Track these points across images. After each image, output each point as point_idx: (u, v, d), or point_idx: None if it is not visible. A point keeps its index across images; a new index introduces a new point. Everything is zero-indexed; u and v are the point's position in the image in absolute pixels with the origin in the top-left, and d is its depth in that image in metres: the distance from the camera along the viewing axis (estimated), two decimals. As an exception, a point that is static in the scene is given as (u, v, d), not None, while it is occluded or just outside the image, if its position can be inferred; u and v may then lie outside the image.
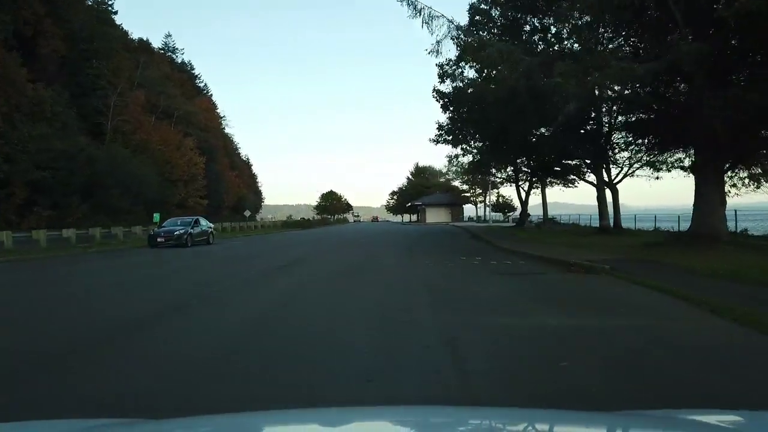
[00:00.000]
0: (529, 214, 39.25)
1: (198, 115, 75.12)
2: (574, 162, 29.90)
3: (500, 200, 62.47)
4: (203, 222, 27.95)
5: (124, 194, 52.68)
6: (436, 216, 72.80)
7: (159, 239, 24.07)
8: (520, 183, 39.54)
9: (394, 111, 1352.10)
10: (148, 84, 70.20)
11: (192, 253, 20.88)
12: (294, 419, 2.09)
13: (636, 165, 27.95)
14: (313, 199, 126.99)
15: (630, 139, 25.87)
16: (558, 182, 42.83)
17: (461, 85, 24.16)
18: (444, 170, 75.53)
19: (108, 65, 63.04)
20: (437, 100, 26.55)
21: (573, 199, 54.77)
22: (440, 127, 30.22)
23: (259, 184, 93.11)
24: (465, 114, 26.36)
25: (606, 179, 28.33)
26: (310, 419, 2.09)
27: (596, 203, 27.24)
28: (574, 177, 34.32)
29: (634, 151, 25.89)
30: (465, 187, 72.49)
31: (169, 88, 73.69)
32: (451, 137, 30.50)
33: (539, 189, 41.91)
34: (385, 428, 1.94)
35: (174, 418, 2.49)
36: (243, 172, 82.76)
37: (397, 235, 35.03)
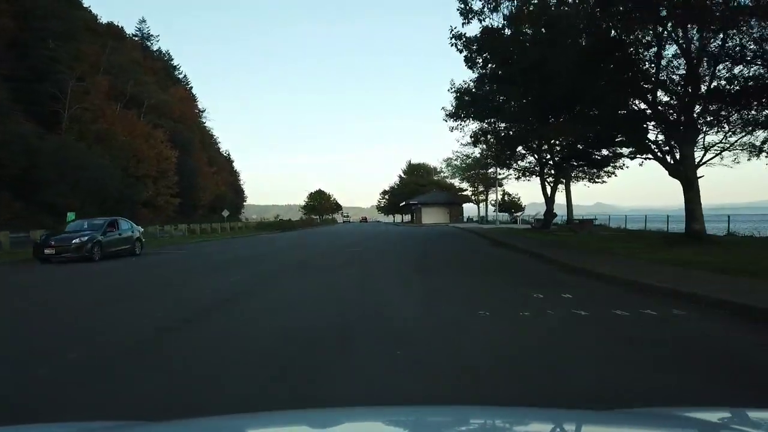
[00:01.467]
0: (555, 214, 31.46)
1: (171, 105, 66.75)
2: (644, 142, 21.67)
3: (506, 198, 54.62)
4: (125, 225, 19.57)
5: (75, 191, 44.32)
6: (432, 216, 64.76)
7: (47, 251, 15.84)
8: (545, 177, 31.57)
9: (389, 111, 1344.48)
10: (116, 70, 61.82)
11: (77, 276, 12.78)
12: (291, 420, 1.97)
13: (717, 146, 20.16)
14: (303, 200, 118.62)
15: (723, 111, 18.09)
16: (585, 175, 35.15)
17: (497, 24, 16.14)
18: (441, 166, 67.04)
19: (68, 48, 54.72)
20: (459, 51, 18.12)
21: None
22: (460, 94, 21.89)
23: (241, 182, 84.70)
24: (502, 68, 17.82)
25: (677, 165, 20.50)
26: (306, 420, 1.95)
27: (585, 203, 19.43)
28: (642, 160, 25.68)
29: (737, 124, 18.06)
30: (465, 185, 64.48)
31: (140, 75, 65.22)
32: (473, 108, 22.16)
33: (549, 183, 34.07)
34: (383, 429, 1.85)
35: (168, 420, 2.28)
36: (222, 168, 74.41)
37: (395, 241, 27.01)
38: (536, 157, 30.59)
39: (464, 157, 59.51)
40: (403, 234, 36.27)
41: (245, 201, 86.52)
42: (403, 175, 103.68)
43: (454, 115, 22.89)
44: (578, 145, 26.62)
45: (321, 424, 1.85)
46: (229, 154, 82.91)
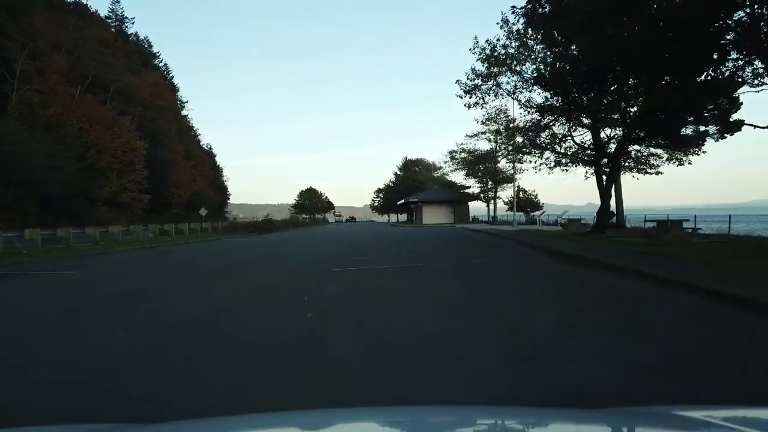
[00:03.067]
0: (613, 213, 22.77)
1: (143, 91, 57.97)
2: None
3: (521, 195, 46.15)
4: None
5: (10, 185, 35.75)
6: (435, 216, 56.24)
7: None
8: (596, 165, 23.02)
9: (385, 109, 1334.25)
10: (79, 51, 53.14)
11: None
12: (287, 422, 1.85)
13: None
14: (293, 198, 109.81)
15: None
16: (636, 165, 27.13)
17: None
18: (445, 159, 57.58)
19: (21, 23, 46.30)
20: None
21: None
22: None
23: (225, 178, 76.17)
24: None
25: None
26: (300, 422, 1.83)
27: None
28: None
29: None
30: (471, 181, 55.63)
31: (107, 57, 56.54)
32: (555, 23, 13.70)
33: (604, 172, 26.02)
34: (379, 429, 1.76)
35: (162, 423, 2.05)
36: (202, 162, 65.86)
37: (409, 252, 18.66)
38: (598, 132, 22.02)
39: (472, 148, 51.30)
40: (411, 238, 27.91)
41: (229, 199, 77.85)
42: (398, 172, 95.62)
43: (529, 24, 14.48)
44: (658, 114, 18.56)
45: (317, 425, 1.76)
46: (210, 148, 74.34)
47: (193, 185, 61.67)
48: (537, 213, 44.94)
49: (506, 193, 51.97)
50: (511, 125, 25.68)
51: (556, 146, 26.30)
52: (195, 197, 61.28)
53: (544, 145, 24.91)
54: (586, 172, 25.84)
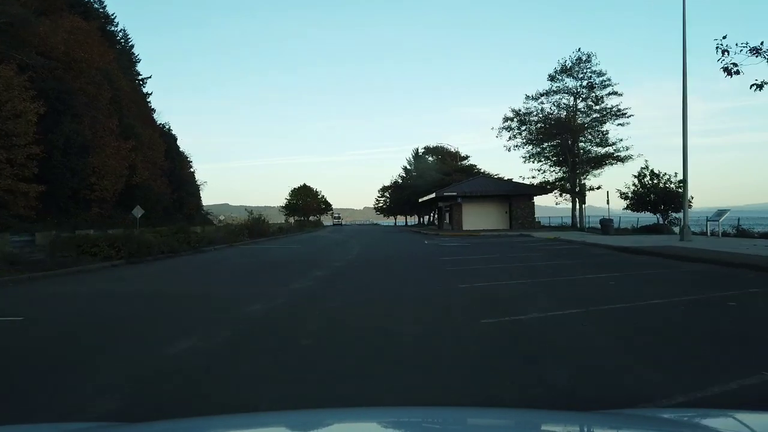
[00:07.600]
0: None
1: (47, 35, 37.25)
2: None
3: (645, 182, 25.18)
4: None
5: None
6: (480, 217, 35.14)
7: None
8: None
9: (385, 109, 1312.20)
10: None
11: None
12: (283, 421, 1.75)
13: None
14: (285, 197, 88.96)
15: None
16: None
17: None
18: (503, 128, 35.18)
19: None
20: None
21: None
22: None
23: (193, 170, 55.54)
24: None
25: None
26: (293, 422, 1.73)
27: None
28: None
29: None
30: (545, 165, 33.73)
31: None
32: None
33: None
34: (378, 430, 1.66)
35: (159, 421, 1.95)
36: (151, 145, 45.07)
37: None
38: None
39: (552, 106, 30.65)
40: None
41: (200, 197, 56.83)
42: (408, 166, 74.81)
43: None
44: None
45: (315, 425, 1.67)
46: (169, 128, 53.53)
47: (131, 174, 41.09)
48: (678, 216, 23.50)
49: (593, 182, 31.53)
50: None
51: None
52: (133, 191, 40.83)
53: None
54: None
